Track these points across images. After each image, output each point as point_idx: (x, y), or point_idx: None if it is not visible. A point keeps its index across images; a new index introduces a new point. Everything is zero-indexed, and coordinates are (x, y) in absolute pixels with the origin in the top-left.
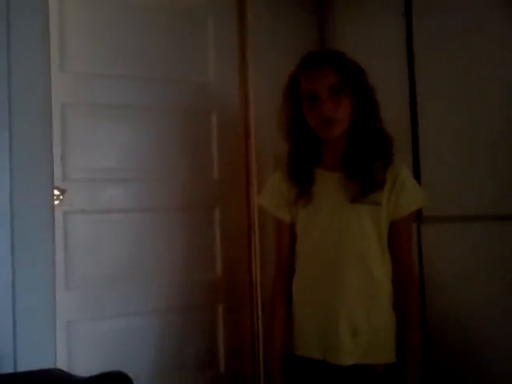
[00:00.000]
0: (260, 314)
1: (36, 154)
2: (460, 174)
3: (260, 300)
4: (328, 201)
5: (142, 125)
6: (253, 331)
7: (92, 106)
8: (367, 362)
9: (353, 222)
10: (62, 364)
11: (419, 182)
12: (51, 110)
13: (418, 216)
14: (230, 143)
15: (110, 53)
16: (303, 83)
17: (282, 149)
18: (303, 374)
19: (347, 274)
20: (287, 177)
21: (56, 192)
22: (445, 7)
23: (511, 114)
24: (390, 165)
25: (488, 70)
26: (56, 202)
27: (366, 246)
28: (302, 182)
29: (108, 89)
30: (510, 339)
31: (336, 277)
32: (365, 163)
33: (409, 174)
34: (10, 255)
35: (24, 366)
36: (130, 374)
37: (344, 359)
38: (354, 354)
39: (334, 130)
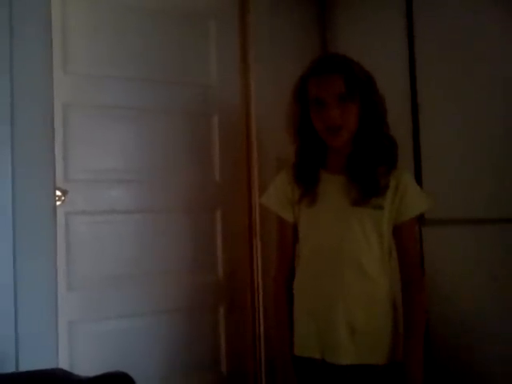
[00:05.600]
0: (262, 315)
1: (38, 154)
2: (461, 177)
3: (262, 301)
4: (331, 203)
5: (144, 126)
6: (255, 332)
7: (94, 107)
8: (368, 362)
9: (354, 225)
10: (64, 364)
11: (421, 185)
12: (53, 111)
13: (421, 219)
14: (232, 145)
15: (112, 54)
16: (312, 90)
17: (284, 151)
18: (303, 374)
19: (347, 275)
20: (292, 177)
21: (58, 193)
22: (446, 7)
23: None
24: (394, 169)
25: (489, 70)
26: (58, 203)
27: (367, 248)
28: (306, 182)
29: (110, 90)
30: (511, 340)
31: (336, 278)
32: (368, 167)
33: (411, 178)
34: (12, 256)
35: (26, 365)
36: (132, 374)
37: (342, 359)
38: (353, 353)
39: (340, 138)
